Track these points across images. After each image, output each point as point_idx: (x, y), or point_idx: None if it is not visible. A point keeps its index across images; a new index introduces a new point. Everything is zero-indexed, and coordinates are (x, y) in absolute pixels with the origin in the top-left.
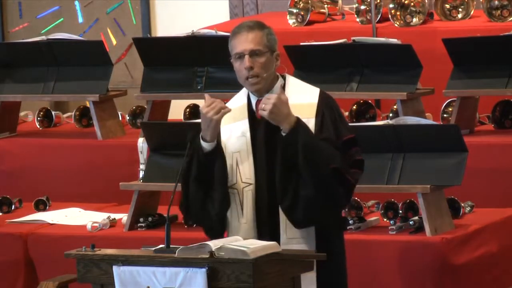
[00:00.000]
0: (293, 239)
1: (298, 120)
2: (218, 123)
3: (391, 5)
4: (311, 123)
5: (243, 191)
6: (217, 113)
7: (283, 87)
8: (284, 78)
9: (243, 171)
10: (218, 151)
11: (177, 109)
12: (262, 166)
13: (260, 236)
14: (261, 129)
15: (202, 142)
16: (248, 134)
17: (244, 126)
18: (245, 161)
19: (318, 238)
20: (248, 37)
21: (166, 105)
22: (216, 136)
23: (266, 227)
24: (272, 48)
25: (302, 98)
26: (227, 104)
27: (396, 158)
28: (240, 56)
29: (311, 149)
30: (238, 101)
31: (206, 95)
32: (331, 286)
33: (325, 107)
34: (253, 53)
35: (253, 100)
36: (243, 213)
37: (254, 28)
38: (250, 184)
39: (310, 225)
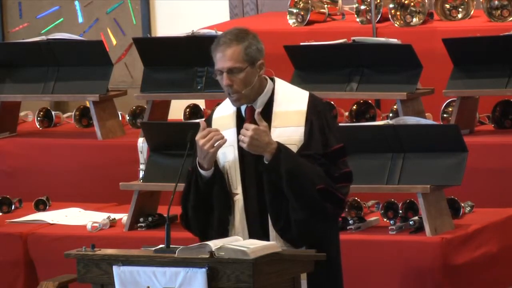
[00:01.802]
0: (282, 247)
1: (278, 147)
2: (214, 154)
3: (391, 5)
4: (299, 132)
5: (233, 201)
6: (213, 146)
7: (272, 92)
8: (273, 81)
9: (232, 181)
10: (216, 176)
11: (177, 109)
12: (251, 175)
13: None
14: None
15: (200, 170)
16: (235, 144)
17: (232, 135)
18: (233, 171)
19: (310, 246)
20: (226, 55)
21: (166, 105)
22: (213, 163)
23: (256, 237)
24: (253, 60)
25: (291, 105)
26: (216, 112)
27: (396, 158)
28: (220, 72)
29: (294, 174)
30: (228, 109)
31: (201, 123)
32: None
33: (314, 114)
34: (230, 71)
35: (242, 108)
36: (233, 223)
37: (232, 43)
38: (238, 194)
39: (307, 243)
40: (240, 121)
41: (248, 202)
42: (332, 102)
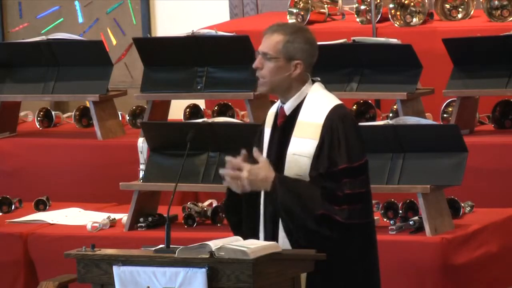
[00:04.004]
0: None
1: (274, 181)
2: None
3: (391, 5)
4: (313, 145)
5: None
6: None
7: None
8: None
9: None
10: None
11: (177, 109)
12: None
13: None
14: (276, 138)
15: None
16: (266, 145)
17: (267, 134)
18: None
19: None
20: (267, 39)
21: (166, 105)
22: None
23: (268, 239)
24: (289, 56)
25: (313, 116)
26: (270, 108)
27: (396, 158)
28: (258, 54)
29: (288, 206)
30: (273, 108)
31: (242, 153)
32: None
33: (327, 130)
34: (264, 56)
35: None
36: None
37: (278, 31)
38: (261, 197)
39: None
40: (275, 121)
41: (266, 206)
42: None
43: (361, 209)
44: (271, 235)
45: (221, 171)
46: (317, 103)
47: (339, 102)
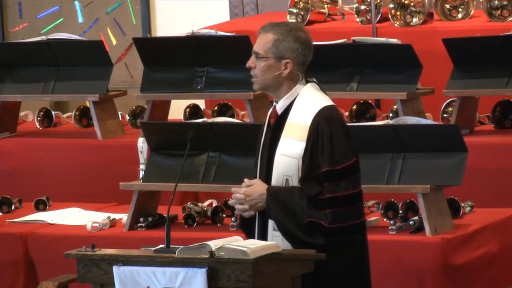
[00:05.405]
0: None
1: (267, 193)
2: None
3: (391, 5)
4: (301, 147)
5: None
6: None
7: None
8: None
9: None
10: None
11: (177, 109)
12: (262, 173)
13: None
14: (268, 137)
15: None
16: (261, 142)
17: (263, 133)
18: (256, 168)
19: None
20: (259, 39)
21: (166, 105)
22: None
23: (260, 237)
24: (280, 55)
25: (301, 117)
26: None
27: (396, 158)
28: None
29: (278, 219)
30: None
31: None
32: None
33: (313, 133)
34: (255, 55)
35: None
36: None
37: (269, 31)
38: None
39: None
40: (269, 120)
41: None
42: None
43: (347, 211)
44: (261, 232)
45: (230, 202)
46: (306, 104)
47: (329, 103)
